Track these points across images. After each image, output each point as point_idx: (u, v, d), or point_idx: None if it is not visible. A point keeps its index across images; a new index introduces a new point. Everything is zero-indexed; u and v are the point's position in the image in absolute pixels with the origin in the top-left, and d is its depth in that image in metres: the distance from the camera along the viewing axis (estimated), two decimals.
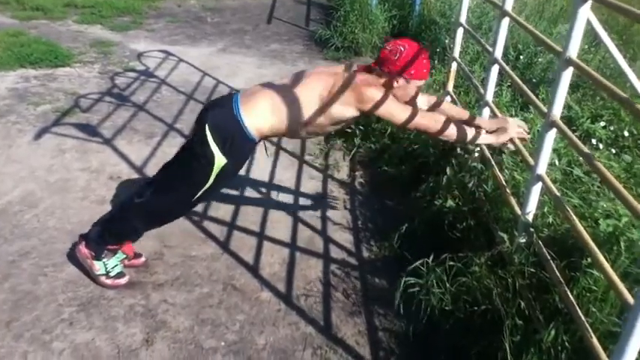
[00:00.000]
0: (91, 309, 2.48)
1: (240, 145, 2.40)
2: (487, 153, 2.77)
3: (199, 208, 3.25)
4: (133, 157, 3.85)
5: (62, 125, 4.25)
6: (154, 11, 7.72)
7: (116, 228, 2.61)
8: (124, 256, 2.71)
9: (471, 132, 2.42)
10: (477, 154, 2.88)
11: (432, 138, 3.03)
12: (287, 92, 2.41)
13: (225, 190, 3.47)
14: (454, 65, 3.56)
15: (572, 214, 1.91)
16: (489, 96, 2.88)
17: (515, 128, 2.47)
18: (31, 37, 6.01)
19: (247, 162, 2.59)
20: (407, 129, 2.54)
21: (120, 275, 2.65)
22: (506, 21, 2.74)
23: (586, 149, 1.88)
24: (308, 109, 2.38)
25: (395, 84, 2.42)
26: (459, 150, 2.99)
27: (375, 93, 2.33)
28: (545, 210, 2.26)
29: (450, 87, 3.60)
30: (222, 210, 3.30)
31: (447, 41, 5.02)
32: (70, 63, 5.51)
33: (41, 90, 4.85)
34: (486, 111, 2.92)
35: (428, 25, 5.90)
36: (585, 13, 1.87)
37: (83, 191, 3.42)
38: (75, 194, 3.37)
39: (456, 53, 3.52)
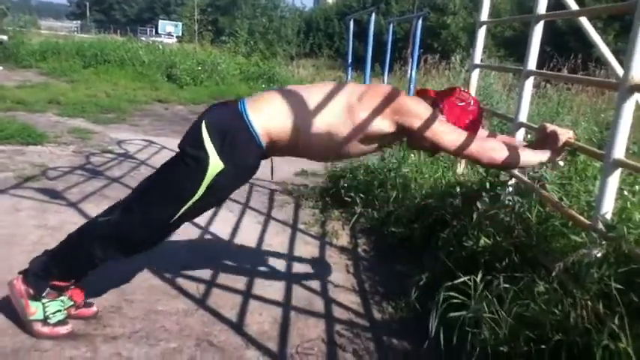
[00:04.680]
0: None
1: (243, 147, 1.90)
2: (526, 179, 2.29)
3: (172, 264, 2.69)
4: None
5: (22, 188, 3.74)
6: (140, 112, 7.53)
7: (67, 256, 2.03)
8: (71, 303, 2.10)
9: (523, 153, 1.96)
10: (510, 189, 2.42)
11: (482, 166, 2.48)
12: (307, 94, 1.99)
13: (202, 252, 2.93)
14: (476, 73, 3.08)
15: None
16: (523, 116, 2.48)
17: (563, 130, 2.00)
18: (5, 120, 5.65)
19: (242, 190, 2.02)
20: (455, 154, 2.05)
21: (61, 323, 2.02)
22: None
23: None
24: (331, 113, 1.93)
25: None
26: (487, 185, 2.50)
27: (418, 106, 1.94)
28: (629, 204, 1.77)
29: None
30: (198, 269, 2.72)
31: None
32: (42, 142, 5.11)
33: (6, 161, 4.38)
34: (520, 134, 2.51)
35: None
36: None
37: (33, 245, 2.83)
38: (23, 247, 2.78)
39: (477, 59, 3.04)
